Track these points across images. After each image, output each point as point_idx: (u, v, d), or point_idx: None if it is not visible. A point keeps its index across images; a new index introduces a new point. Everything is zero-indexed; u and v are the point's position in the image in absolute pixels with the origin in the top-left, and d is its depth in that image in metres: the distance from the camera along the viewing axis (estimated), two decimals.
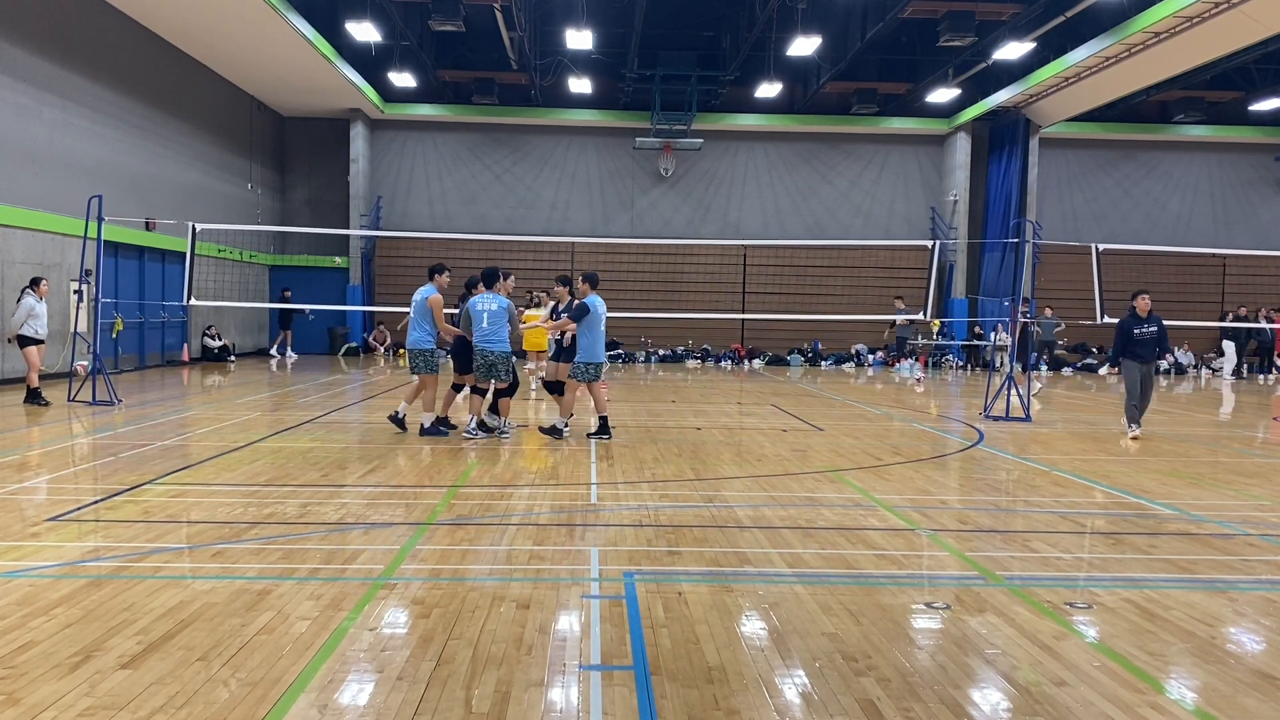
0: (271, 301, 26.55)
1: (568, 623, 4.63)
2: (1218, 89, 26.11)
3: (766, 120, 28.39)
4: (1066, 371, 26.10)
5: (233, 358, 23.91)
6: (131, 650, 4.12)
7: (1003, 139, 27.38)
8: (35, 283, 13.66)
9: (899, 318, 23.76)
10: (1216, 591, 5.35)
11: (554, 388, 12.10)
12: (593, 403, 11.37)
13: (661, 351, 27.72)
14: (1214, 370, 26.53)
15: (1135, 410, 12.01)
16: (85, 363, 14.55)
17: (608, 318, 11.17)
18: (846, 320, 26.79)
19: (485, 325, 10.71)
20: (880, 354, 27.35)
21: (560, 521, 6.84)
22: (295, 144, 28.61)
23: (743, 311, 27.57)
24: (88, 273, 14.56)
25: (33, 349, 13.50)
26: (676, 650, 4.26)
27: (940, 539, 6.51)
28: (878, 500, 7.78)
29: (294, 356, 25.20)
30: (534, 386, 17.27)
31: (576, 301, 11.23)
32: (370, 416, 13.15)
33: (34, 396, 13.29)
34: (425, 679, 3.90)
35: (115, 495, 7.38)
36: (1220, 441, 12.41)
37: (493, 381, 10.98)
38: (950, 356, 27.05)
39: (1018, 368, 15.69)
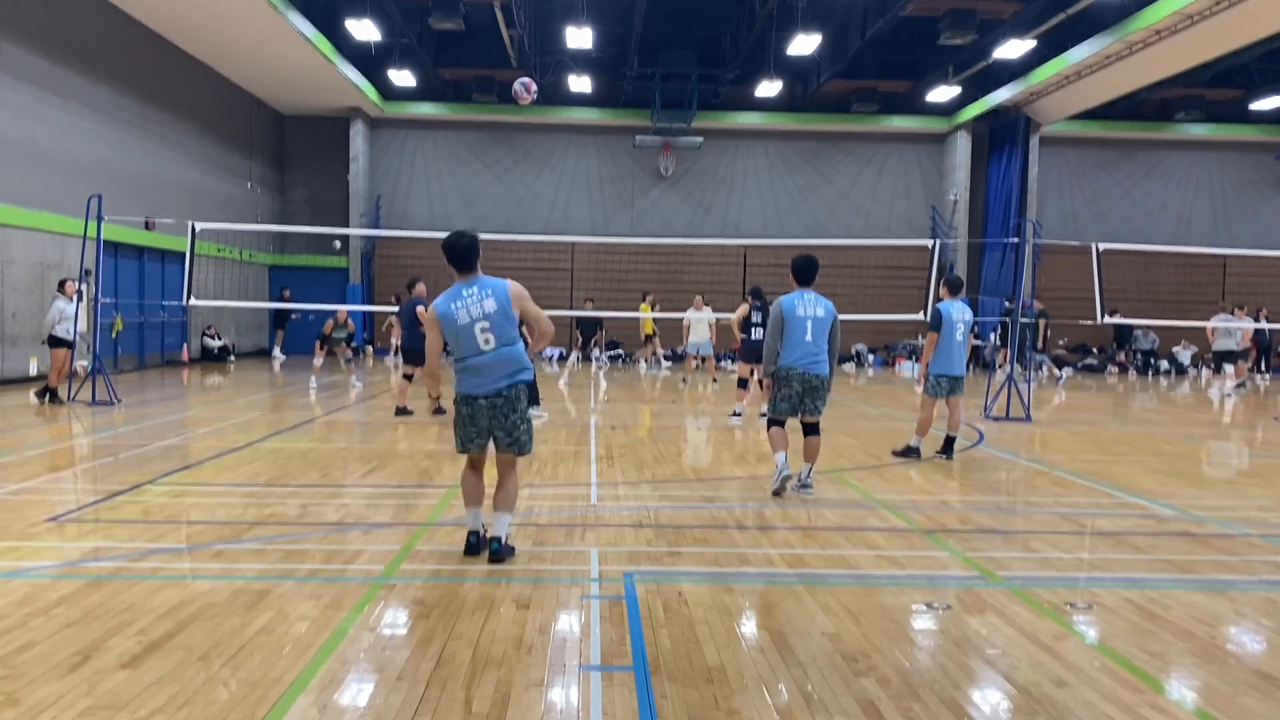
0: (271, 301, 26.51)
1: (567, 623, 4.62)
2: (1218, 87, 26.06)
3: (767, 119, 28.35)
4: (1066, 371, 26.04)
5: (232, 358, 23.89)
6: (131, 650, 4.12)
7: (1003, 138, 27.33)
8: (62, 284, 13.89)
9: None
10: (1216, 591, 5.34)
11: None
12: None
13: (662, 351, 27.66)
14: (1214, 370, 26.48)
15: None
16: (85, 363, 14.56)
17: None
18: (847, 320, 26.68)
19: None
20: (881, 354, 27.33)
21: (560, 521, 6.83)
22: (295, 143, 28.58)
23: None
24: (87, 272, 14.57)
25: (61, 351, 13.54)
26: (676, 650, 4.26)
27: (940, 539, 6.51)
28: (878, 500, 7.78)
29: (282, 357, 25.04)
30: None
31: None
32: (370, 416, 13.15)
33: (50, 394, 13.35)
34: (425, 679, 3.90)
35: (115, 495, 7.38)
36: (1220, 441, 12.40)
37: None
38: None
39: (1018, 367, 15.67)
